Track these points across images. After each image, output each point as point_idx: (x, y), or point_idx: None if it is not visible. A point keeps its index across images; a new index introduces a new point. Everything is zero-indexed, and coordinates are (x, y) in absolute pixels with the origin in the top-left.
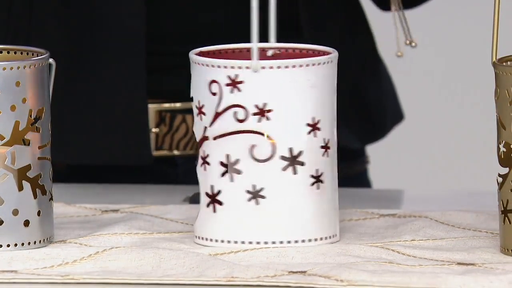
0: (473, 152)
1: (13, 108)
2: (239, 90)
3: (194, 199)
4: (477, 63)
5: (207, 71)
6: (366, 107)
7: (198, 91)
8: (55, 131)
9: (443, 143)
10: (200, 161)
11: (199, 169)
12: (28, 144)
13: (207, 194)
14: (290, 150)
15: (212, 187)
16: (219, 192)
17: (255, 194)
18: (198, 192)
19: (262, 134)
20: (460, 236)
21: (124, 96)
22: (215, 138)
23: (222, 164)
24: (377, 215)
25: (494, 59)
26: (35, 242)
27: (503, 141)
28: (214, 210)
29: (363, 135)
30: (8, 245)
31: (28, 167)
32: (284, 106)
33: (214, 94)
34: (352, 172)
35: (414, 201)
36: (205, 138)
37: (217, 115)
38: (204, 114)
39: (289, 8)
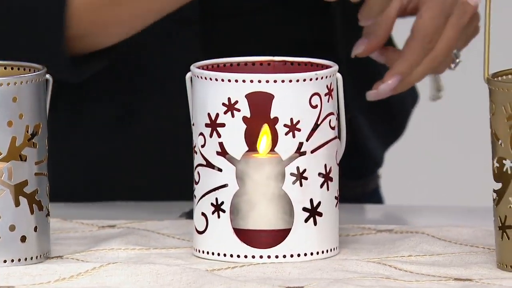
0: (469, 168)
1: (10, 123)
2: (332, 98)
3: (191, 215)
4: (471, 79)
5: (308, 85)
6: (388, 108)
7: (294, 107)
8: None
9: (440, 159)
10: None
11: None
12: (25, 160)
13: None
14: (298, 168)
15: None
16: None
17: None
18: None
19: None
20: (457, 251)
21: None
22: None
23: None
24: (374, 230)
25: (486, 75)
26: (31, 258)
27: (496, 157)
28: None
29: (386, 135)
30: (5, 261)
31: (25, 183)
32: None
33: (315, 107)
34: (367, 189)
35: (411, 216)
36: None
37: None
38: (299, 130)
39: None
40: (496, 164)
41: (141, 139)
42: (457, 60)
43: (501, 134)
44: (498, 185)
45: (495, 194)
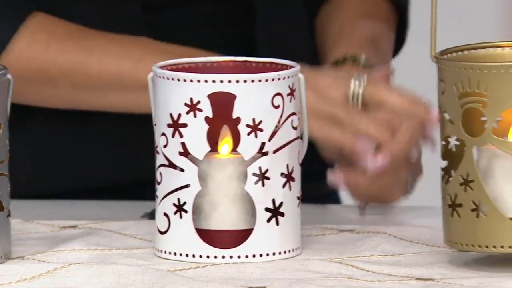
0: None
1: None
2: (294, 98)
3: (153, 215)
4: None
5: (271, 85)
6: None
7: (256, 107)
8: None
9: None
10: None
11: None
12: None
13: None
14: (260, 168)
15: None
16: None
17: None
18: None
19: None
20: (418, 251)
21: None
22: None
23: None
24: (336, 230)
25: (434, 53)
26: None
27: (451, 136)
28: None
29: None
30: None
31: None
32: None
33: (277, 107)
34: (328, 189)
35: (372, 217)
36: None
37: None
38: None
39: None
40: (443, 142)
41: (101, 138)
42: (411, 186)
43: (452, 112)
44: (445, 163)
45: (442, 173)
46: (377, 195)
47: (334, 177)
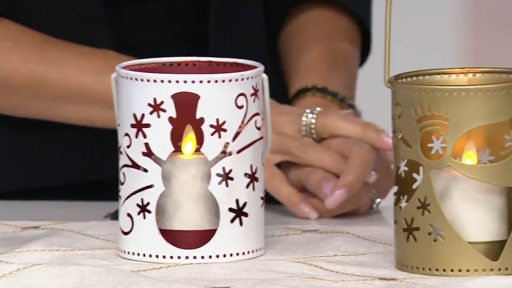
0: None
1: None
2: (258, 98)
3: (116, 216)
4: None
5: (234, 85)
6: None
7: (220, 108)
8: None
9: None
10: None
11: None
12: None
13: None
14: (224, 169)
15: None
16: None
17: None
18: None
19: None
20: (381, 251)
21: None
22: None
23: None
24: (299, 231)
25: (387, 78)
26: None
27: (406, 160)
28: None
29: None
30: None
31: None
32: None
33: (240, 107)
34: None
35: (335, 216)
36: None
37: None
38: (225, 130)
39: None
40: (405, 168)
41: (64, 137)
42: (377, 201)
43: (410, 136)
44: (395, 188)
45: (401, 197)
46: (343, 211)
47: (303, 212)
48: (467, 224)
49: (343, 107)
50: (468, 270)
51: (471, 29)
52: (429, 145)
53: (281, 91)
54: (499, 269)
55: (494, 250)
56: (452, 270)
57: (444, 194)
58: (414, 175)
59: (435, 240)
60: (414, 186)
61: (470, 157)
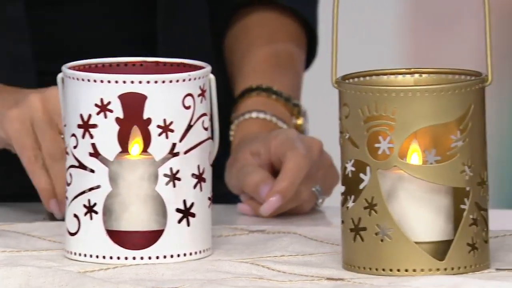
0: None
1: None
2: (205, 98)
3: (53, 216)
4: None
5: (181, 86)
6: None
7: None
8: None
9: None
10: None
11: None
12: None
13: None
14: (171, 169)
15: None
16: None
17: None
18: None
19: None
20: (329, 251)
21: None
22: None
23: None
24: (247, 231)
25: (335, 78)
26: None
27: (353, 160)
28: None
29: None
30: None
31: None
32: None
33: (188, 108)
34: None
35: (282, 217)
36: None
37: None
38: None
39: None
40: (352, 168)
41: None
42: (321, 199)
43: (357, 136)
44: (343, 188)
45: (348, 197)
46: (284, 210)
47: (242, 209)
48: (413, 224)
49: (287, 106)
50: (414, 270)
51: (413, 29)
52: (376, 145)
53: (227, 92)
54: (445, 269)
55: (440, 250)
56: (398, 270)
57: (391, 194)
58: (361, 175)
59: (382, 240)
60: (361, 186)
61: (415, 157)
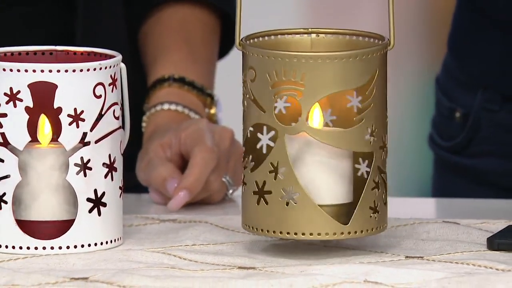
0: None
1: None
2: (116, 88)
3: None
4: None
5: (92, 75)
6: None
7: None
8: None
9: None
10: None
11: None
12: None
13: None
14: (82, 158)
15: None
16: None
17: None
18: None
19: None
20: (240, 240)
21: None
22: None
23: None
24: (158, 220)
25: (239, 40)
26: None
27: (260, 123)
28: None
29: None
30: None
31: None
32: None
33: (99, 97)
34: None
35: (194, 206)
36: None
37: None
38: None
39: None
40: (251, 129)
41: None
42: (232, 189)
43: (264, 101)
44: (253, 152)
45: (252, 161)
46: (195, 200)
47: (154, 197)
48: (319, 188)
49: (200, 97)
50: (319, 234)
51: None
52: (275, 104)
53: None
54: (349, 233)
55: (343, 213)
56: (303, 234)
57: (297, 159)
58: (259, 134)
59: (287, 204)
60: (264, 150)
61: (318, 121)
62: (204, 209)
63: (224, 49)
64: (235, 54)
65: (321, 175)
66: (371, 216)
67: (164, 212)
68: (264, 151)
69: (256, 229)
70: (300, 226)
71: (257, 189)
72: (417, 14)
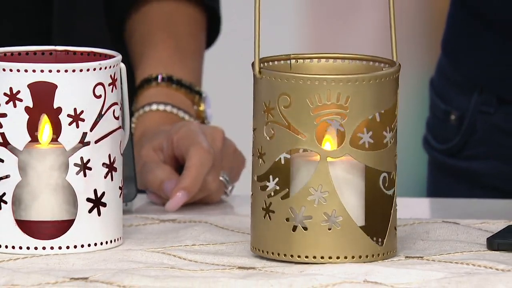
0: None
1: None
2: (116, 88)
3: None
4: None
5: (92, 75)
6: None
7: (77, 97)
8: None
9: None
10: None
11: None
12: None
13: None
14: (81, 158)
15: None
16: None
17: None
18: None
19: None
20: (240, 240)
21: None
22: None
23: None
24: (157, 220)
25: (258, 67)
26: None
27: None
28: None
29: None
30: None
31: None
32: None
33: (98, 97)
34: None
35: (194, 206)
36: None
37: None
38: (83, 120)
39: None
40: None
41: None
42: (230, 187)
43: (304, 126)
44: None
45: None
46: (194, 200)
47: (152, 198)
48: (354, 211)
49: (188, 95)
50: (360, 257)
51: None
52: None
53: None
54: (383, 254)
55: (375, 234)
56: (346, 257)
57: (339, 182)
58: (297, 161)
59: (329, 229)
60: (295, 172)
61: (328, 142)
62: (204, 209)
63: (208, 42)
64: (221, 48)
65: (355, 198)
66: (395, 235)
67: (164, 212)
68: (305, 176)
69: (306, 256)
70: (344, 249)
71: (293, 216)
72: (412, 16)
